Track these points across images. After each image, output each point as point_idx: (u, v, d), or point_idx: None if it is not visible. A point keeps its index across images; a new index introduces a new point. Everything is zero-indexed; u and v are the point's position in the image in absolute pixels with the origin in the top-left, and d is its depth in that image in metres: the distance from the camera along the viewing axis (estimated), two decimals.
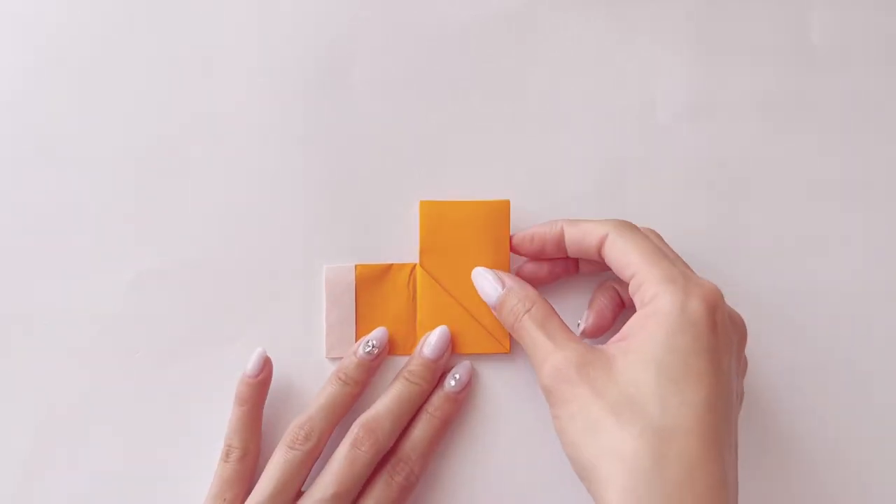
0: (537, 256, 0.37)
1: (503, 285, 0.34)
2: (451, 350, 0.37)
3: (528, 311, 0.33)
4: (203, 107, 0.39)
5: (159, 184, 0.39)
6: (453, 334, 0.36)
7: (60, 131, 0.39)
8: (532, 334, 0.32)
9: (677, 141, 0.40)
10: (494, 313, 0.35)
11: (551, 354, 0.31)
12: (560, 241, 0.35)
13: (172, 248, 0.38)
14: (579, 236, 0.34)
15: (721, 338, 0.29)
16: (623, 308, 0.37)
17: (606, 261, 0.33)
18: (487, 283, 0.35)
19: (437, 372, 0.36)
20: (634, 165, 0.40)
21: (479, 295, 0.35)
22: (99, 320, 0.38)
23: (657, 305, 0.29)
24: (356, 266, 0.37)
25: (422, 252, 0.37)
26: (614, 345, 0.30)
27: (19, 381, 0.37)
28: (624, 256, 0.32)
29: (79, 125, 0.39)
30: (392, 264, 0.37)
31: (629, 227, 0.33)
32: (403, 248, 0.38)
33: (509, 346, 0.37)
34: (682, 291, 0.29)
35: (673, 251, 0.34)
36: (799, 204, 0.40)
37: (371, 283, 0.37)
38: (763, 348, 0.38)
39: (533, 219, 0.38)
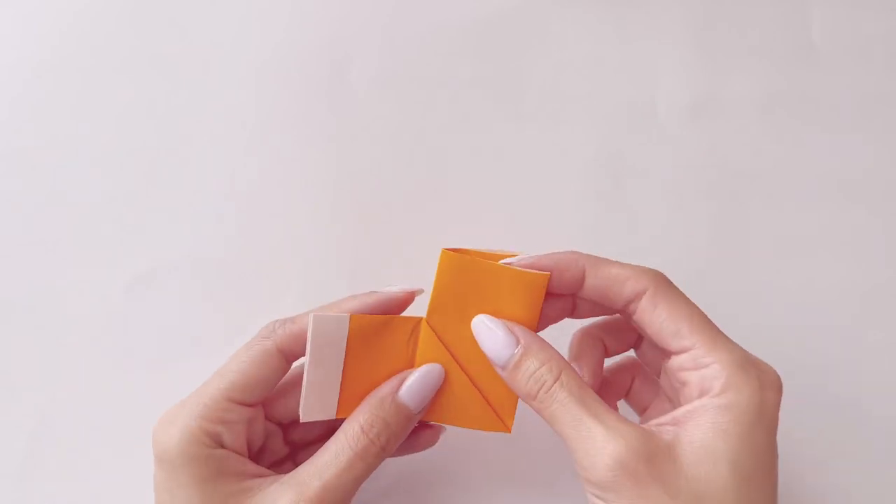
0: None
1: (518, 341, 0.28)
2: (440, 416, 0.30)
3: (559, 379, 0.27)
4: (202, 107, 0.39)
5: (159, 184, 0.39)
6: (450, 403, 0.30)
7: (60, 131, 0.39)
8: (573, 412, 0.26)
9: (677, 140, 0.40)
10: (504, 376, 0.28)
11: (610, 443, 0.25)
12: (575, 283, 0.29)
13: (171, 248, 0.38)
14: (605, 284, 0.28)
15: (776, 426, 0.27)
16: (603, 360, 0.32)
17: (640, 320, 0.28)
18: (495, 336, 0.28)
19: (411, 427, 0.30)
20: (634, 165, 0.40)
21: (488, 365, 0.29)
22: (97, 320, 0.38)
23: (733, 399, 0.25)
24: (351, 317, 0.29)
25: (432, 308, 0.30)
26: (670, 429, 0.26)
27: (17, 381, 0.37)
28: (673, 323, 0.27)
29: (78, 125, 0.39)
30: (393, 317, 0.30)
31: (670, 284, 0.28)
32: (403, 247, 0.38)
33: (511, 427, 0.31)
34: (757, 382, 0.26)
35: None
36: (799, 204, 0.40)
37: (366, 337, 0.29)
38: (762, 348, 0.38)
39: (533, 218, 0.38)
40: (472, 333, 0.29)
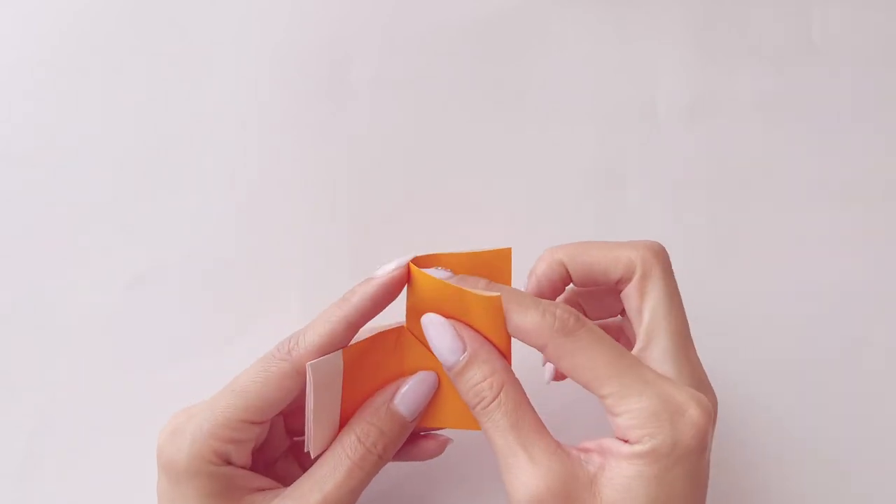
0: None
1: (464, 348, 0.27)
2: (425, 419, 0.30)
3: (497, 397, 0.27)
4: (202, 107, 0.39)
5: (159, 184, 0.39)
6: (433, 405, 0.30)
7: (60, 131, 0.39)
8: (504, 437, 0.26)
9: (677, 140, 0.40)
10: (451, 377, 0.28)
11: (531, 479, 0.25)
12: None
13: (171, 248, 0.38)
14: (514, 326, 0.27)
15: (706, 457, 0.27)
16: None
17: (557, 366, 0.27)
18: (442, 339, 0.28)
19: (407, 433, 0.30)
20: (634, 165, 0.40)
21: None
22: (97, 320, 0.38)
23: (648, 446, 0.25)
24: (342, 351, 0.28)
25: (409, 316, 0.30)
26: (596, 460, 0.26)
27: (17, 381, 0.37)
28: (587, 370, 0.26)
29: (78, 125, 0.39)
30: (377, 334, 0.29)
31: (582, 325, 0.27)
32: (403, 246, 0.38)
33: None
34: (669, 426, 0.26)
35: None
36: (799, 203, 0.40)
37: (358, 360, 0.29)
38: (762, 348, 0.38)
39: (533, 218, 0.38)
40: None
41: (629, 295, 0.29)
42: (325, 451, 0.28)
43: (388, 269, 0.29)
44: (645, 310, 0.29)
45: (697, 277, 0.39)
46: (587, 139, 0.40)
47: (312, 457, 0.28)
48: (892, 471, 0.38)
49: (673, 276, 0.29)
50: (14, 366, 0.37)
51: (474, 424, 0.29)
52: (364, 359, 0.29)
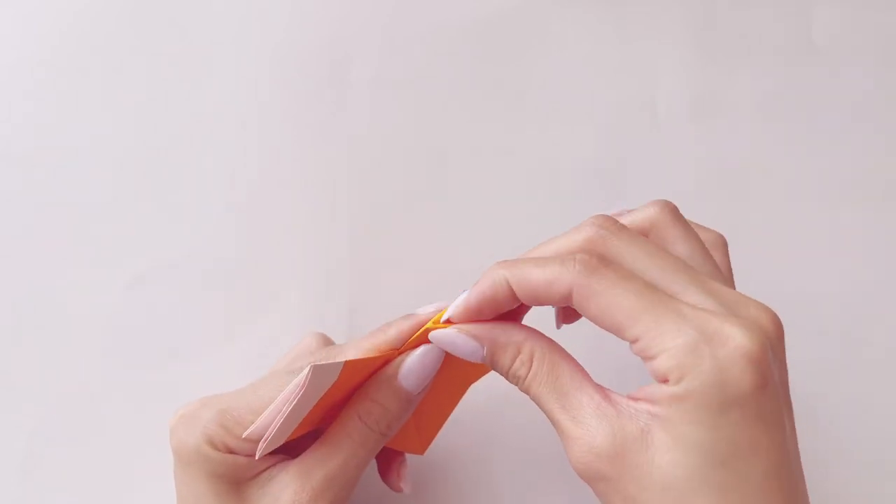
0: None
1: (480, 342, 0.26)
2: None
3: (529, 371, 0.26)
4: (202, 107, 0.39)
5: (159, 184, 0.39)
6: None
7: (60, 131, 0.39)
8: (548, 404, 0.25)
9: (677, 140, 0.40)
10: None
11: (575, 441, 0.24)
12: (510, 300, 0.26)
13: (172, 248, 0.38)
14: (533, 295, 0.25)
15: (772, 392, 0.23)
16: None
17: (589, 319, 0.25)
18: (457, 349, 0.27)
19: (411, 409, 0.29)
20: (634, 165, 0.40)
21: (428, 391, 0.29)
22: (97, 320, 0.38)
23: (689, 387, 0.23)
24: (345, 364, 0.26)
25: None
26: (644, 411, 0.24)
27: (16, 381, 0.37)
28: (609, 318, 0.24)
29: (78, 125, 0.39)
30: (375, 359, 0.28)
31: (594, 271, 0.24)
32: (403, 246, 0.38)
33: (425, 451, 0.32)
34: (712, 362, 0.22)
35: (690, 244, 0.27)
36: (799, 204, 0.40)
37: (348, 377, 0.27)
38: None
39: (532, 218, 0.38)
40: None
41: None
42: (267, 453, 0.27)
43: (429, 308, 0.28)
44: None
45: None
46: (587, 139, 0.40)
47: (256, 458, 0.26)
48: (892, 471, 0.38)
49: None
50: (14, 365, 0.37)
51: (398, 443, 0.30)
52: (352, 377, 0.28)
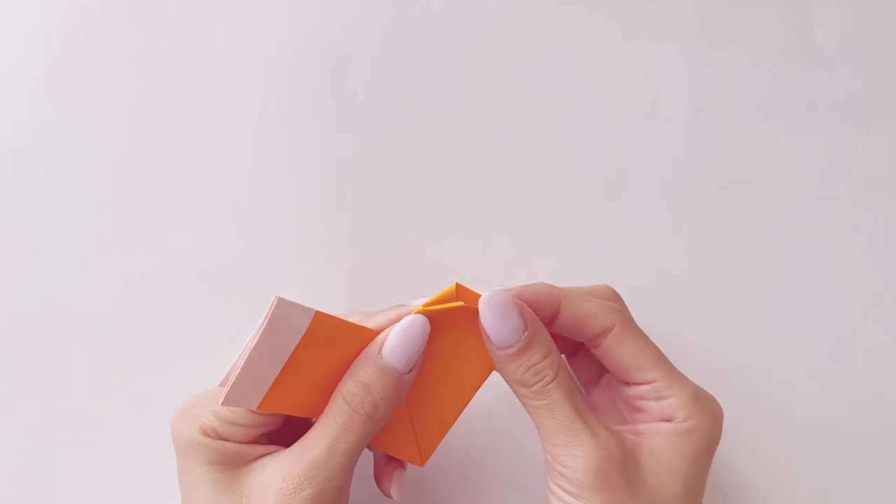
0: None
1: (525, 327, 0.27)
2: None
3: (557, 375, 0.27)
4: (203, 107, 0.39)
5: (159, 183, 0.39)
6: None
7: (60, 131, 0.39)
8: (566, 413, 0.27)
9: (678, 140, 0.40)
10: (495, 357, 0.28)
11: (596, 450, 0.26)
12: (548, 317, 0.28)
13: (171, 248, 0.38)
14: (578, 319, 0.28)
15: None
16: None
17: (604, 353, 0.29)
18: (505, 319, 0.26)
19: (404, 389, 0.28)
20: (634, 165, 0.40)
21: (428, 399, 0.29)
22: (97, 321, 0.38)
23: (693, 426, 0.28)
24: (316, 313, 0.25)
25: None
26: (630, 436, 0.28)
27: (16, 381, 0.37)
28: (636, 359, 0.28)
29: (79, 125, 0.39)
30: (360, 327, 0.27)
31: (632, 321, 0.30)
32: (403, 246, 0.38)
33: (425, 462, 0.30)
34: (711, 413, 0.28)
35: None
36: (799, 204, 0.40)
37: (324, 338, 0.26)
38: (763, 348, 0.38)
39: (532, 218, 0.37)
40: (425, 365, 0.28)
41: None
42: (235, 406, 0.25)
43: (419, 302, 0.28)
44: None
45: (698, 277, 0.39)
46: (587, 139, 0.40)
47: (221, 405, 0.25)
48: (891, 474, 0.38)
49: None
50: (14, 365, 0.37)
51: (398, 451, 0.29)
52: (330, 341, 0.26)
